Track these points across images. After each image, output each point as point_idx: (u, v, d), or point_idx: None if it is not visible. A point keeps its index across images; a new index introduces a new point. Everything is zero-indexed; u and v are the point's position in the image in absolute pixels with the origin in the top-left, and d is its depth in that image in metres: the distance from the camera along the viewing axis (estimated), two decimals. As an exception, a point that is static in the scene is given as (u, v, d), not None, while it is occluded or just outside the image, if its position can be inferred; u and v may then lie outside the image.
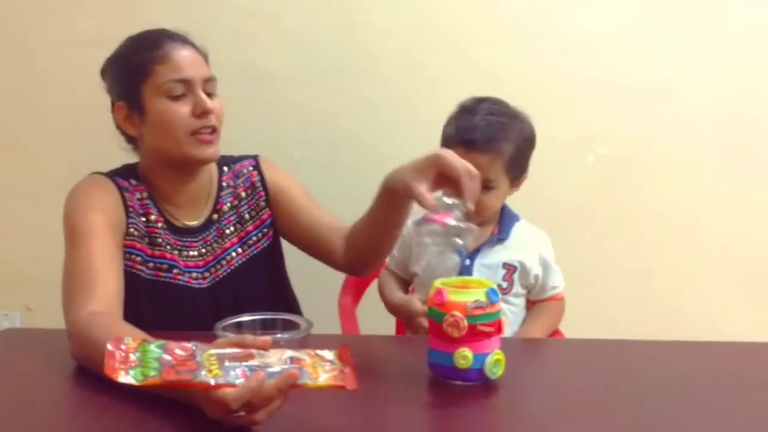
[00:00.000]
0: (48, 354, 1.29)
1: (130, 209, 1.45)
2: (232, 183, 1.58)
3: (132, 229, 1.44)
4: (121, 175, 1.51)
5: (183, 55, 1.43)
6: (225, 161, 1.59)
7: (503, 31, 2.08)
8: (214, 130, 1.44)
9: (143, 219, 1.47)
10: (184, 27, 1.98)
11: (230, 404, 0.91)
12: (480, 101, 1.61)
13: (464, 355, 1.09)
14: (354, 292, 1.87)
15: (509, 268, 1.62)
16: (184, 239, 1.51)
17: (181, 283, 1.47)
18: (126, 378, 0.90)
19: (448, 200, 1.16)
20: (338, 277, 1.83)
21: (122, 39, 1.98)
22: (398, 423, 1.06)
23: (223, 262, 1.53)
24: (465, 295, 1.10)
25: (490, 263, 1.62)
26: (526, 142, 1.61)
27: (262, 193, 1.59)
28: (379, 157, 2.08)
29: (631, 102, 2.09)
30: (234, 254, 1.54)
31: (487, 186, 1.52)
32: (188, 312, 1.47)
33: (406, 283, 1.78)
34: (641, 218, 2.12)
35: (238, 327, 1.20)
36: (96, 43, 2.01)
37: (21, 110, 2.05)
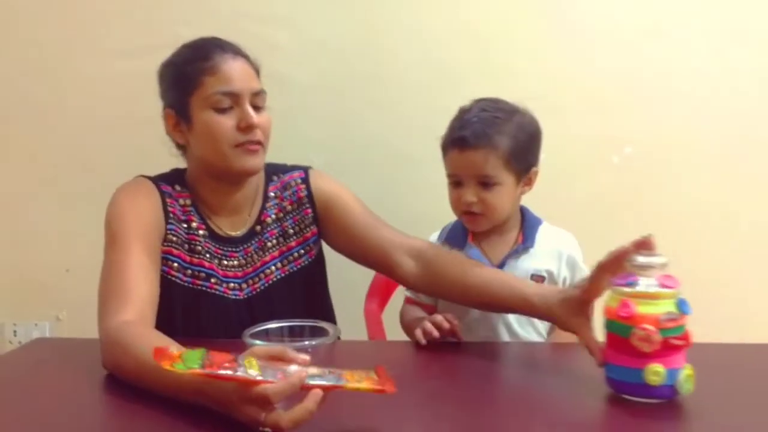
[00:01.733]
0: (78, 363, 1.30)
1: (171, 215, 1.45)
2: (279, 194, 1.57)
3: (170, 235, 1.44)
4: (167, 179, 1.51)
5: (233, 67, 1.43)
6: (275, 170, 1.59)
7: (526, 30, 2.06)
8: (259, 143, 1.44)
9: (185, 225, 1.47)
10: (206, 35, 2.02)
11: (270, 398, 0.90)
12: (477, 101, 1.55)
13: (656, 371, 1.02)
14: (380, 298, 1.86)
15: (538, 279, 1.53)
16: (225, 248, 1.49)
17: (217, 293, 1.46)
18: (171, 367, 0.92)
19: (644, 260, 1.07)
20: (365, 284, 1.84)
21: (146, 49, 2.02)
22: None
23: (262, 275, 1.51)
24: (656, 306, 1.03)
25: (517, 275, 1.50)
26: (527, 135, 1.52)
27: (309, 210, 1.57)
28: (401, 160, 2.09)
29: (658, 102, 2.06)
30: (273, 268, 1.52)
31: (488, 183, 1.48)
32: (222, 322, 1.45)
33: (430, 310, 1.63)
34: (667, 219, 2.08)
35: (266, 334, 1.20)
36: (122, 53, 2.06)
37: (50, 122, 2.08)
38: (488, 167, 1.47)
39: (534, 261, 1.54)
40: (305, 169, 1.61)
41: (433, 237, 1.65)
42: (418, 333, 1.37)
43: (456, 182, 1.53)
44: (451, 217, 1.62)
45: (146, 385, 1.10)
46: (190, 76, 1.43)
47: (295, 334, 1.21)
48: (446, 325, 1.38)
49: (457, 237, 1.59)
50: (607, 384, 1.09)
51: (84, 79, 2.06)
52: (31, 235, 2.09)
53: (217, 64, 1.42)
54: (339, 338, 1.19)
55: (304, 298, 1.54)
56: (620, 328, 1.04)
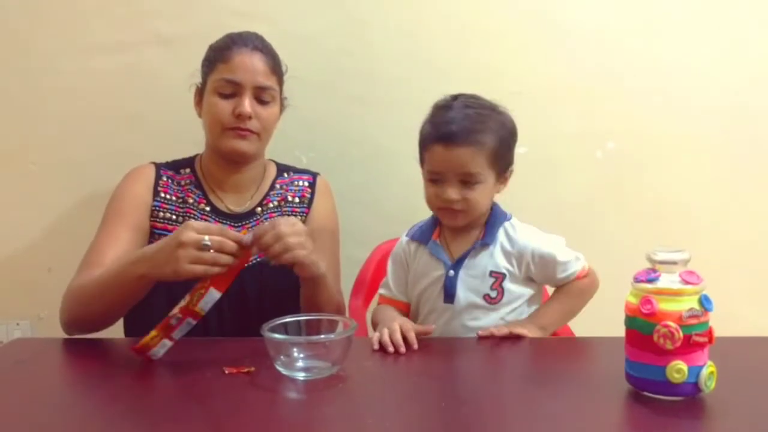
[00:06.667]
0: (58, 363, 1.32)
1: (160, 194, 1.61)
2: (284, 188, 1.72)
3: (158, 211, 1.59)
4: (175, 164, 1.69)
5: (244, 59, 1.57)
6: (288, 169, 1.76)
7: (509, 26, 2.07)
8: (250, 131, 1.57)
9: (180, 202, 1.62)
10: (185, 32, 1.99)
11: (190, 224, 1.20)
12: (454, 97, 1.52)
13: (679, 369, 1.01)
14: (365, 294, 1.86)
15: (497, 276, 1.50)
16: (225, 222, 1.61)
17: None
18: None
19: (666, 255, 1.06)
20: (350, 280, 1.83)
21: (126, 45, 1.99)
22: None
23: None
24: (678, 303, 1.02)
25: (476, 273, 1.51)
26: (508, 134, 1.51)
27: (308, 210, 1.71)
28: (388, 157, 2.08)
29: (641, 97, 2.08)
30: None
31: (471, 181, 1.46)
32: None
33: (404, 308, 1.62)
34: (650, 214, 2.11)
35: (284, 327, 1.21)
36: (101, 49, 2.02)
37: (30, 120, 2.03)
38: (474, 165, 1.45)
39: (493, 258, 1.52)
40: (314, 175, 1.77)
41: (403, 238, 1.64)
42: (375, 338, 1.34)
43: (434, 179, 1.49)
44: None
45: (109, 290, 1.34)
46: (211, 60, 1.61)
47: (312, 326, 1.23)
48: (401, 350, 1.30)
49: (424, 233, 1.59)
50: (628, 381, 1.08)
51: (64, 76, 2.02)
52: (13, 235, 2.05)
53: (231, 54, 1.57)
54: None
55: (291, 280, 1.51)
56: (642, 325, 1.03)
